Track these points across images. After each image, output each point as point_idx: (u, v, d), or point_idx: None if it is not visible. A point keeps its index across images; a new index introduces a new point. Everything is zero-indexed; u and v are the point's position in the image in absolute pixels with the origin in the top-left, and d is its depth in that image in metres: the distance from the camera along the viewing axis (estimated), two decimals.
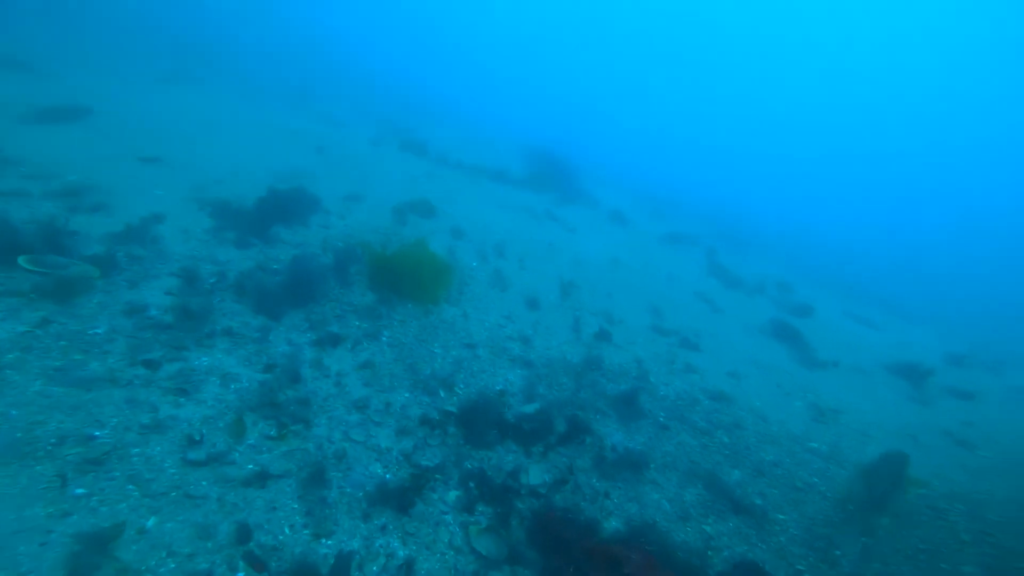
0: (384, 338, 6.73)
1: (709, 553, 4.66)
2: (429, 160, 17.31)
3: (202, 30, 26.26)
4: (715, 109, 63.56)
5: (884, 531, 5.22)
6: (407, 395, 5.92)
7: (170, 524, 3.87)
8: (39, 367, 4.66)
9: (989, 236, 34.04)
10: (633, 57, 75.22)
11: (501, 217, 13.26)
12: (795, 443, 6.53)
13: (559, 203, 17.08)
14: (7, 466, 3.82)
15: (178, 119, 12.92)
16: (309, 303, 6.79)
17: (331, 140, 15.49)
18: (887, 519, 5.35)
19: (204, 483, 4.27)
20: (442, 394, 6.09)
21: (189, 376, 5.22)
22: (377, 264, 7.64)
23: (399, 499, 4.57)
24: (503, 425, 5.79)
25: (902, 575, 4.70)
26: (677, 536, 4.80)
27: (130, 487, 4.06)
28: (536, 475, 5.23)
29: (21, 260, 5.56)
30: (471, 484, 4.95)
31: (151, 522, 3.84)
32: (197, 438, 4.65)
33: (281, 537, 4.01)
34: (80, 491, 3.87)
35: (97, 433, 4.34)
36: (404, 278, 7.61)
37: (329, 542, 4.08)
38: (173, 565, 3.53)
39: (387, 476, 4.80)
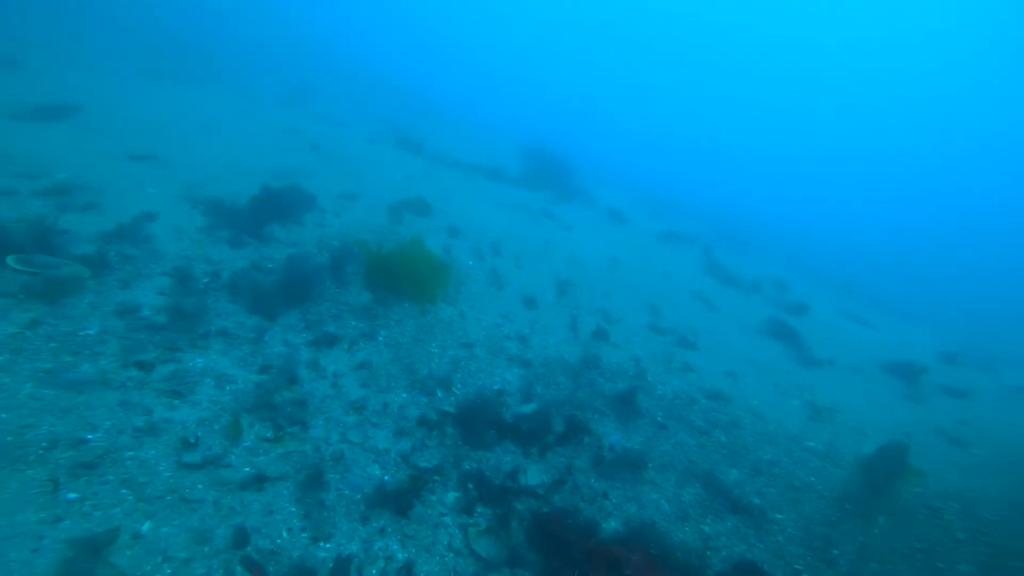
0: (381, 338, 6.68)
1: (708, 553, 4.67)
2: (425, 158, 17.21)
3: (197, 28, 25.96)
4: (714, 109, 63.78)
5: (881, 530, 5.26)
6: (404, 395, 5.88)
7: (166, 528, 3.82)
8: (29, 369, 4.58)
9: (984, 236, 34.39)
10: (633, 57, 75.36)
11: (497, 215, 13.21)
12: (792, 442, 6.56)
13: (556, 201, 17.05)
14: None
15: (171, 117, 12.75)
16: (305, 303, 6.73)
17: (327, 138, 15.36)
18: (883, 518, 5.39)
19: (200, 486, 4.21)
20: (440, 394, 6.06)
21: (183, 378, 5.15)
22: (373, 263, 7.58)
23: (398, 501, 4.54)
24: (501, 425, 5.76)
25: (899, 574, 4.73)
26: (676, 536, 4.81)
27: (124, 491, 4.01)
28: (535, 476, 5.22)
29: (9, 260, 5.45)
30: (470, 485, 4.92)
31: (146, 527, 3.79)
32: (192, 441, 4.59)
33: (279, 541, 3.97)
34: (72, 495, 3.81)
35: (89, 436, 4.28)
36: (400, 277, 7.55)
37: (327, 545, 4.04)
38: (169, 570, 3.48)
39: (385, 478, 4.76)
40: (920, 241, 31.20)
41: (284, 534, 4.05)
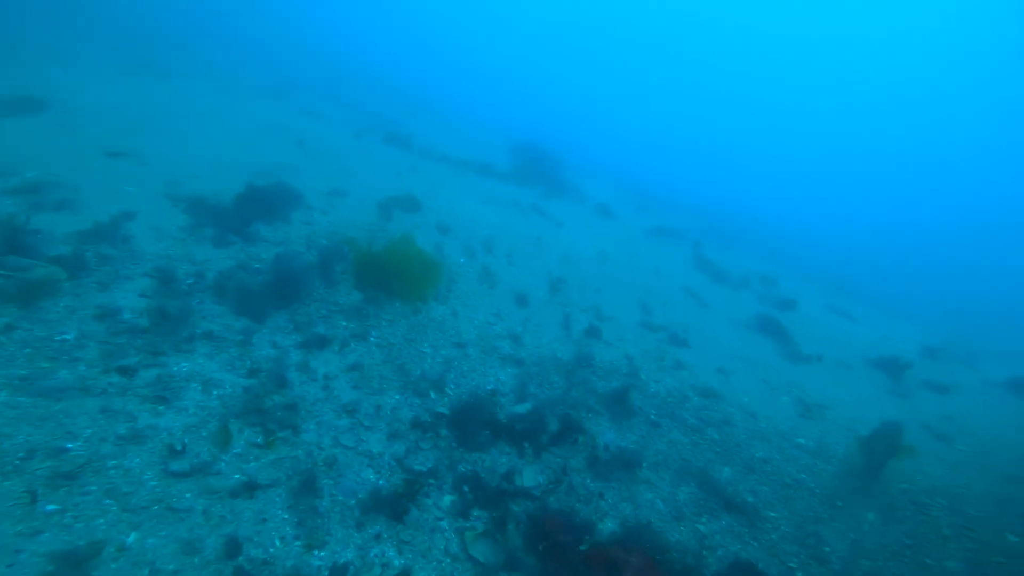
0: (372, 338, 6.57)
1: (704, 553, 4.70)
2: (414, 154, 17.00)
3: (175, 19, 25.17)
4: (708, 106, 64.13)
5: (871, 527, 5.35)
6: (397, 397, 5.80)
7: (152, 540, 3.70)
8: (3, 376, 4.40)
9: (970, 235, 35.21)
10: (629, 53, 75.36)
11: (488, 212, 13.12)
12: (783, 439, 6.64)
13: (545, 197, 16.99)
14: None
15: (148, 112, 12.35)
16: (293, 303, 6.58)
17: (312, 133, 15.06)
18: (873, 514, 5.49)
19: (188, 495, 4.09)
20: (433, 395, 5.99)
21: (168, 383, 4.99)
22: (363, 261, 7.45)
23: (393, 506, 4.47)
24: (495, 426, 5.72)
25: (889, 571, 4.81)
26: (672, 536, 4.82)
27: (108, 501, 3.87)
28: (530, 477, 5.19)
29: None
30: (465, 488, 4.87)
31: (132, 538, 3.66)
32: (179, 448, 4.45)
33: (272, 550, 3.87)
34: (52, 507, 3.66)
35: (69, 445, 4.12)
36: (391, 276, 7.44)
37: (322, 554, 3.96)
38: None
39: (380, 482, 4.69)
40: (907, 239, 31.89)
41: (277, 543, 3.95)
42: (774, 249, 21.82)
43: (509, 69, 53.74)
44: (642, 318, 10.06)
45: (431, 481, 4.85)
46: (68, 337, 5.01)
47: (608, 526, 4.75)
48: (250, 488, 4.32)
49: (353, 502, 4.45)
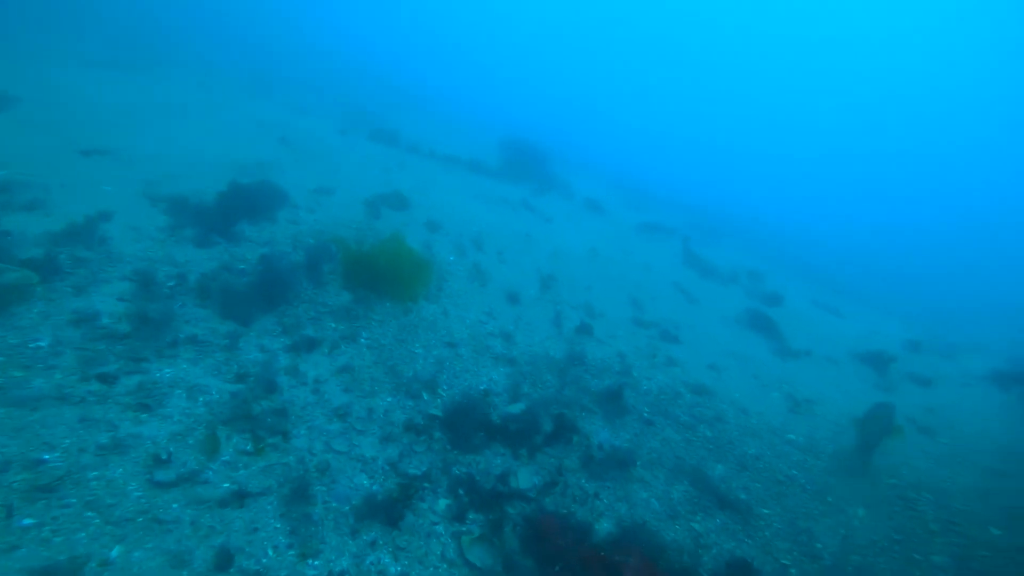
0: (362, 340, 6.46)
1: (699, 552, 4.72)
2: (401, 150, 16.77)
3: (148, 11, 24.33)
4: (702, 104, 64.41)
5: (860, 522, 5.44)
6: (389, 399, 5.71)
7: (138, 553, 3.58)
8: None
9: (957, 234, 35.99)
10: (625, 51, 75.25)
11: (477, 208, 13.00)
12: (775, 435, 6.71)
13: (536, 193, 16.92)
14: None
15: (124, 108, 11.94)
16: (281, 305, 6.43)
17: (297, 129, 14.73)
18: (863, 510, 5.58)
19: (175, 506, 3.97)
20: (425, 397, 5.92)
21: (151, 390, 4.84)
22: (352, 261, 7.31)
23: (388, 511, 4.39)
24: (489, 427, 5.67)
25: (878, 567, 4.90)
26: (667, 535, 4.84)
27: (89, 514, 3.73)
28: (525, 478, 5.16)
29: None
30: (460, 491, 4.82)
31: (116, 552, 3.54)
32: (164, 457, 4.31)
33: (264, 560, 3.78)
34: (29, 521, 3.52)
35: (47, 456, 3.96)
36: (381, 275, 7.32)
37: (316, 563, 3.87)
38: None
39: (374, 488, 4.61)
40: (894, 237, 32.54)
41: (270, 552, 3.86)
42: (759, 244, 22.11)
43: (500, 65, 53.41)
44: (633, 314, 10.08)
45: (426, 485, 4.79)
46: (42, 344, 4.81)
47: (604, 526, 4.74)
48: (240, 497, 4.20)
49: (347, 509, 4.36)
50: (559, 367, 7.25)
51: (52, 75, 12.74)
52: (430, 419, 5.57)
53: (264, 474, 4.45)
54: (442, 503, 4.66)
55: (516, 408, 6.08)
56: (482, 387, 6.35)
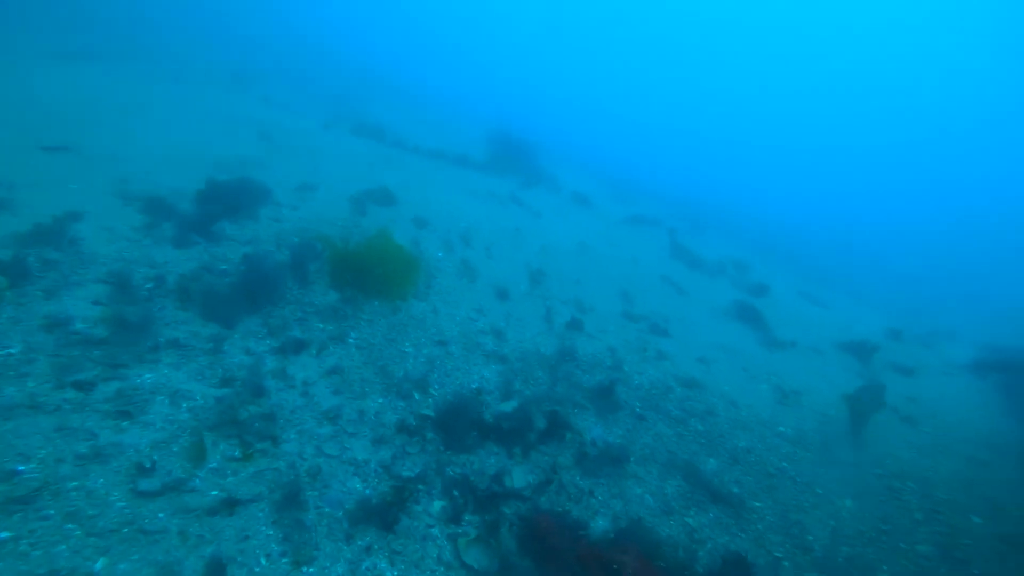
0: (351, 340, 6.34)
1: (694, 546, 4.76)
2: (386, 145, 16.49)
3: (117, 1, 23.31)
4: (692, 96, 64.51)
5: (849, 513, 5.55)
6: (380, 400, 5.62)
7: (124, 565, 3.47)
8: None
9: (936, 222, 36.86)
10: (613, 43, 74.89)
11: (465, 203, 12.86)
12: (764, 428, 6.79)
13: (523, 187, 16.82)
14: None
15: (89, 102, 11.46)
16: (266, 306, 6.27)
17: (277, 124, 14.35)
18: (850, 501, 5.69)
19: (161, 515, 3.86)
20: (417, 397, 5.84)
21: (131, 396, 4.68)
22: (339, 259, 7.16)
23: (382, 515, 4.33)
24: (482, 426, 5.63)
25: (867, 557, 5.00)
26: (662, 531, 4.87)
27: (70, 526, 3.60)
28: (520, 477, 5.13)
29: None
30: (455, 492, 4.77)
31: (100, 564, 3.43)
32: (148, 465, 4.18)
33: (257, 569, 3.70)
34: (5, 535, 3.39)
35: (21, 468, 3.81)
36: (369, 273, 7.18)
37: (311, 570, 3.80)
38: None
39: (367, 491, 4.54)
40: (872, 226, 33.21)
41: (263, 561, 3.78)
42: (744, 234, 22.36)
43: (486, 57, 52.83)
44: (623, 308, 10.10)
45: (420, 487, 4.73)
46: (13, 351, 4.61)
47: (600, 524, 4.75)
48: (230, 504, 4.10)
49: (340, 513, 4.29)
50: (550, 363, 7.23)
51: (9, 68, 12.18)
52: (422, 419, 5.51)
53: (254, 480, 4.35)
54: (437, 505, 4.62)
55: (508, 406, 6.05)
56: (474, 385, 6.30)
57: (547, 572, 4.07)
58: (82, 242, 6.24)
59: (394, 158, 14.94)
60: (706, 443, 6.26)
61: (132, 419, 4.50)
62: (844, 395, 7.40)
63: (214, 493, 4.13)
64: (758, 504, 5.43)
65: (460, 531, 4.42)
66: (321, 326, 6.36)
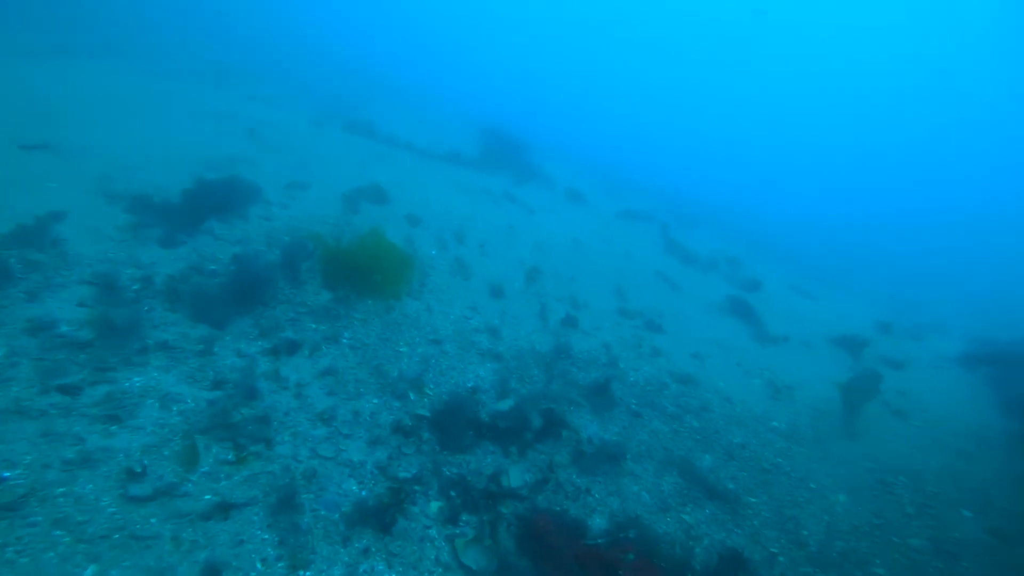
0: (345, 340, 6.27)
1: (690, 543, 4.78)
2: (378, 141, 16.34)
3: None
4: (687, 94, 64.59)
5: (842, 508, 5.60)
6: (376, 401, 5.57)
7: (115, 572, 3.41)
8: None
9: (909, 217, 37.36)
10: (606, 40, 74.62)
11: (458, 201, 12.80)
12: (758, 423, 6.84)
13: (516, 183, 16.77)
14: None
15: (69, 99, 11.19)
16: (257, 307, 6.17)
17: (265, 122, 14.13)
18: (844, 496, 5.76)
19: (153, 520, 3.78)
20: (412, 397, 5.79)
21: (120, 400, 4.58)
22: (331, 258, 7.07)
23: (379, 517, 4.29)
24: (478, 425, 5.60)
25: (861, 551, 5.06)
26: (659, 528, 4.88)
27: (58, 532, 3.52)
28: (516, 476, 5.11)
29: None
30: (452, 493, 4.74)
31: (90, 571, 3.36)
32: (139, 470, 4.10)
33: (253, 574, 3.64)
34: None
35: (7, 474, 3.72)
36: (362, 272, 7.10)
37: (308, 574, 3.75)
38: None
39: (363, 493, 4.49)
40: (864, 221, 33.58)
41: (258, 565, 3.72)
42: (736, 229, 22.51)
43: (477, 52, 52.50)
44: (618, 305, 10.12)
45: (416, 488, 4.69)
46: None
47: (598, 523, 4.75)
48: (224, 509, 4.03)
49: (337, 516, 4.24)
50: (546, 361, 7.22)
51: None
52: (418, 420, 5.46)
53: (248, 484, 4.28)
54: (434, 506, 4.58)
55: (505, 405, 6.03)
56: (469, 384, 6.27)
57: (546, 572, 4.05)
58: (65, 243, 6.10)
59: (386, 155, 14.82)
60: (701, 439, 6.29)
61: (121, 423, 4.41)
62: (838, 384, 7.49)
63: (207, 497, 4.06)
64: (753, 500, 5.47)
65: (458, 532, 4.39)
66: (314, 326, 6.28)
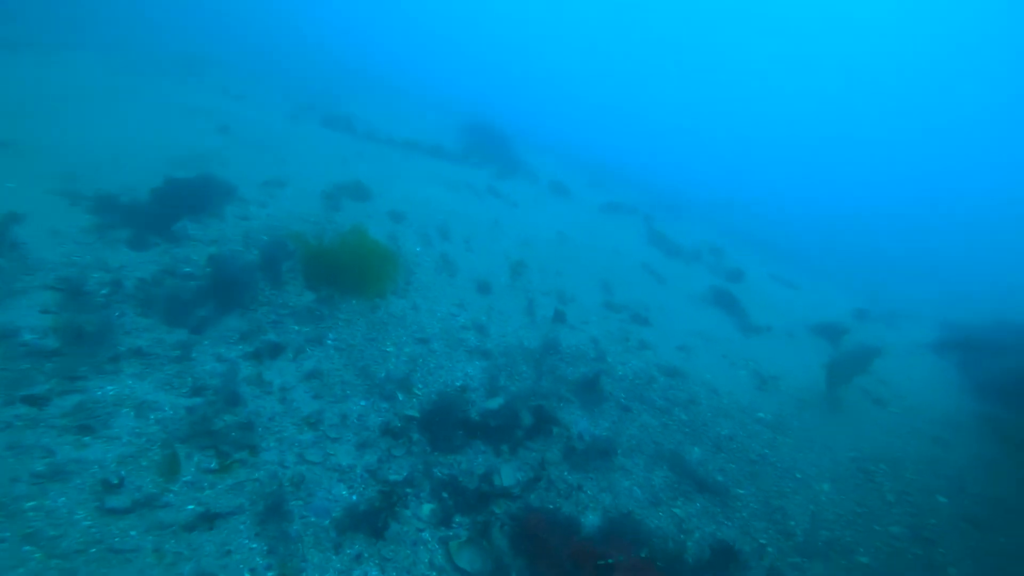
0: (330, 341, 6.12)
1: (682, 537, 4.82)
2: (357, 137, 15.99)
3: None
4: (672, 86, 64.73)
5: (827, 497, 5.74)
6: (363, 403, 5.46)
7: None
8: None
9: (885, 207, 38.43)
10: (588, 29, 74.09)
11: (442, 195, 12.63)
12: (745, 414, 6.94)
13: (499, 177, 16.63)
14: None
15: (29, 94, 10.62)
16: (236, 310, 5.97)
17: (239, 117, 13.65)
18: (828, 485, 5.89)
19: (133, 533, 3.64)
20: (400, 397, 5.70)
21: (92, 410, 4.38)
22: (312, 257, 6.88)
23: (371, 522, 4.20)
24: (468, 424, 5.55)
25: (845, 539, 5.18)
26: (651, 522, 4.91)
27: (28, 548, 3.37)
28: (508, 475, 5.08)
29: None
30: (444, 494, 4.68)
31: None
32: (115, 482, 3.93)
33: None
34: None
35: None
36: (345, 271, 6.94)
37: None
38: None
39: (354, 498, 4.40)
40: (837, 210, 34.40)
41: (247, 575, 3.60)
42: (717, 219, 22.80)
43: (456, 42, 51.75)
44: (604, 298, 10.14)
45: (408, 490, 4.62)
46: None
47: (591, 519, 4.75)
48: (208, 519, 3.90)
49: (327, 522, 4.14)
50: (534, 357, 7.18)
51: None
52: (407, 421, 5.37)
53: (233, 492, 4.15)
54: (426, 508, 4.52)
55: (494, 403, 5.98)
56: (458, 383, 6.20)
57: (541, 571, 4.04)
58: (25, 246, 5.79)
59: (367, 151, 14.51)
60: (690, 432, 6.36)
61: (94, 434, 4.22)
62: (824, 364, 7.68)
63: (191, 507, 3.92)
64: (742, 491, 5.55)
65: (451, 534, 4.34)
66: (297, 328, 6.11)
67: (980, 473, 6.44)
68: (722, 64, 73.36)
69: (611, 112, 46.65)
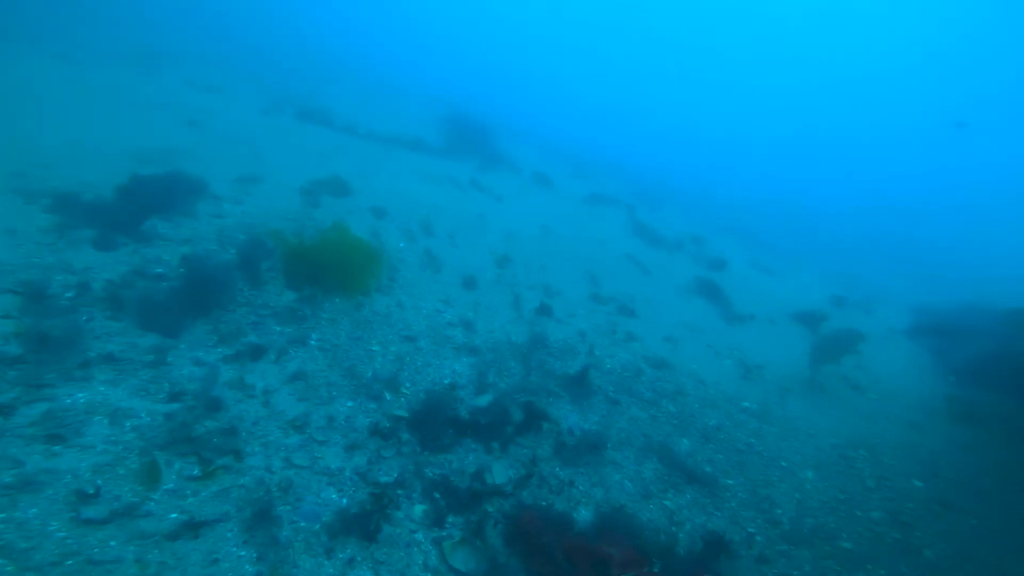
0: (313, 342, 5.97)
1: (674, 529, 4.87)
2: (336, 130, 15.59)
3: None
4: (627, 68, 64.76)
5: (811, 485, 5.87)
6: (350, 404, 5.35)
7: None
8: None
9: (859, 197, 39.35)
10: (562, 19, 73.49)
11: (424, 190, 12.43)
12: (731, 404, 7.05)
13: (482, 170, 16.47)
14: None
15: None
16: (214, 311, 5.76)
17: (209, 111, 13.15)
18: (811, 472, 6.04)
19: (113, 543, 3.51)
20: (388, 397, 5.60)
21: (63, 418, 4.19)
22: (293, 256, 6.69)
23: (362, 525, 4.13)
24: (458, 423, 5.49)
25: (829, 526, 5.32)
26: (643, 515, 4.94)
27: (0, 562, 3.20)
28: (500, 473, 5.05)
29: None
30: (436, 494, 4.63)
31: None
32: (91, 492, 3.78)
33: None
34: None
35: None
36: (327, 269, 6.77)
37: None
38: None
39: (344, 501, 4.31)
40: (814, 199, 35.10)
41: None
42: (698, 208, 23.02)
43: (435, 33, 50.82)
44: (590, 290, 10.15)
45: (399, 492, 4.55)
46: None
47: (583, 515, 4.76)
48: (193, 527, 3.77)
49: (318, 527, 4.05)
50: (522, 352, 7.15)
51: None
52: (396, 421, 5.29)
53: (218, 499, 4.02)
54: (419, 509, 4.46)
55: (484, 400, 5.93)
56: (446, 381, 6.12)
57: (535, 568, 4.03)
58: None
59: (346, 145, 14.17)
60: (678, 424, 6.42)
61: (65, 443, 4.03)
62: (811, 344, 7.84)
63: (173, 516, 3.79)
64: (731, 482, 5.64)
65: (444, 534, 4.29)
66: (279, 329, 5.94)
67: (953, 457, 6.69)
68: (721, 64, 73.69)
69: (610, 113, 46.50)
